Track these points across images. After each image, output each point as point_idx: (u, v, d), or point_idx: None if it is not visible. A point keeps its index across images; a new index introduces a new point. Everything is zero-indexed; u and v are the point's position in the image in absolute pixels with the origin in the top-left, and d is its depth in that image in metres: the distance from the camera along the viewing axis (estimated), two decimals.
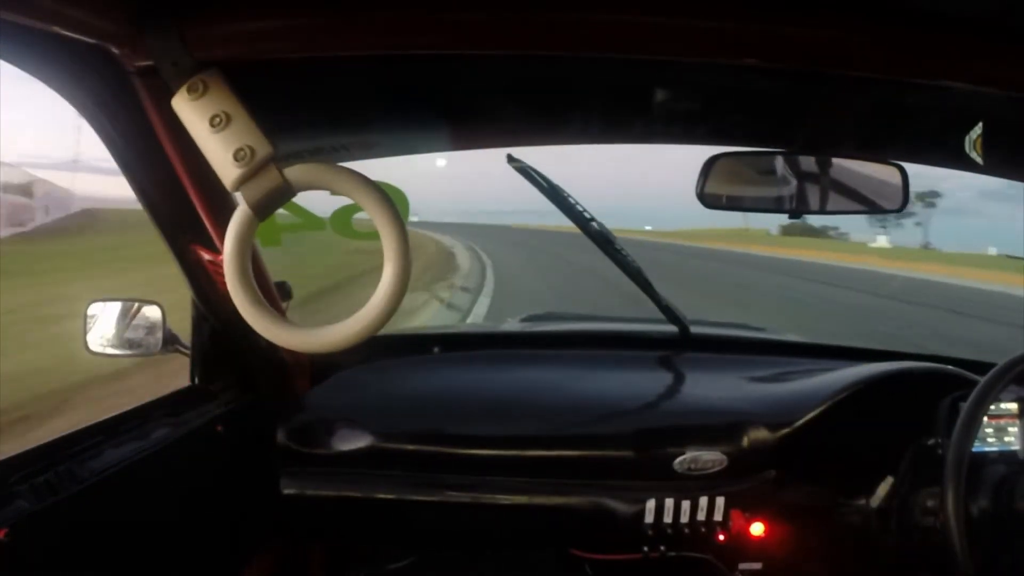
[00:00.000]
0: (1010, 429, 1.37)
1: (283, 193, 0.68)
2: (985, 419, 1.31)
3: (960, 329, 9.81)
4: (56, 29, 0.68)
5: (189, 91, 0.68)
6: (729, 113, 1.29)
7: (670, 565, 1.40)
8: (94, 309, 1.28)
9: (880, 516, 1.37)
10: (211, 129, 0.67)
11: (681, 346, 1.72)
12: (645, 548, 1.39)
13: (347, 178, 0.68)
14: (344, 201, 1.21)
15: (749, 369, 1.62)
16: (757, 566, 1.42)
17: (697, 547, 1.40)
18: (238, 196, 0.70)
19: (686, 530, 1.38)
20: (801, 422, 1.41)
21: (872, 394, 1.43)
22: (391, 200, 0.69)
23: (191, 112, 0.68)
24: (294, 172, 0.68)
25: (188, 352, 1.30)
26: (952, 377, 1.42)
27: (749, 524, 1.40)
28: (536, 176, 1.48)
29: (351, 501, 1.40)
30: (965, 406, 1.23)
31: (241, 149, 0.67)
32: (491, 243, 27.38)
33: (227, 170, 0.67)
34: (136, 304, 1.29)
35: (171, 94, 0.70)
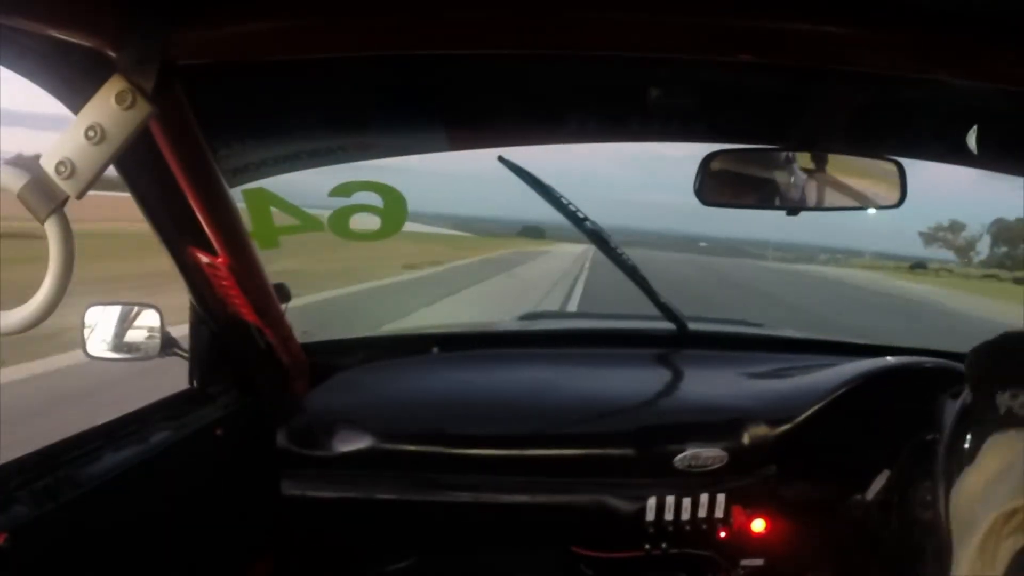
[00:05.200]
0: None
1: (35, 212, 0.69)
2: None
3: None
4: (53, 34, 0.68)
5: (118, 97, 0.69)
6: (726, 110, 1.29)
7: (672, 562, 1.40)
8: (93, 313, 1.28)
9: (880, 510, 1.37)
10: (87, 132, 0.69)
11: (679, 343, 1.72)
12: (647, 545, 1.39)
13: (60, 242, 0.70)
14: (342, 202, 1.22)
15: (747, 365, 1.63)
16: (759, 562, 1.42)
17: (699, 544, 1.40)
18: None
19: (687, 527, 1.38)
20: (801, 418, 1.41)
21: (872, 389, 1.44)
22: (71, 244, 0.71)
23: (100, 104, 0.69)
24: (55, 220, 0.69)
25: (187, 355, 1.29)
26: (952, 372, 1.42)
27: (750, 520, 1.40)
28: (528, 176, 1.49)
29: (351, 502, 1.40)
30: (958, 400, 1.23)
31: (70, 165, 0.68)
32: None
33: (49, 158, 0.68)
34: (135, 308, 1.29)
35: (164, 97, 0.70)
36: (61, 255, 0.70)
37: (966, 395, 1.06)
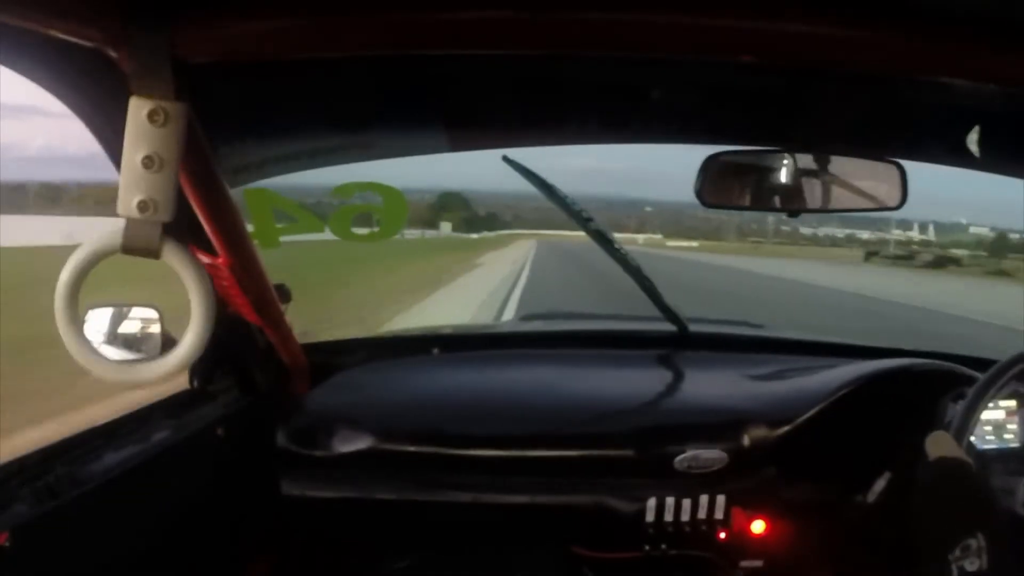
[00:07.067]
0: (1009, 426, 1.37)
1: (148, 253, 0.70)
2: (984, 416, 1.31)
3: None
4: (54, 33, 0.68)
5: (150, 117, 0.68)
6: (727, 111, 1.29)
7: (671, 563, 1.40)
8: (91, 315, 1.27)
9: (880, 512, 1.37)
10: (144, 163, 0.68)
11: (680, 344, 1.72)
12: (646, 546, 1.39)
13: (186, 266, 0.73)
14: (342, 202, 1.22)
15: (748, 367, 1.62)
16: (759, 563, 1.42)
17: (698, 545, 1.40)
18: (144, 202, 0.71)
19: (687, 528, 1.38)
20: (801, 419, 1.41)
21: (873, 391, 1.44)
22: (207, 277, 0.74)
23: (140, 132, 0.69)
24: (170, 247, 0.71)
25: None
26: (953, 374, 1.42)
27: (750, 522, 1.40)
28: (533, 176, 1.49)
29: (352, 502, 1.40)
30: (962, 403, 1.23)
31: (150, 201, 0.69)
32: None
33: (126, 204, 0.68)
34: (133, 308, 1.28)
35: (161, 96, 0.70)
36: (194, 276, 0.71)
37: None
